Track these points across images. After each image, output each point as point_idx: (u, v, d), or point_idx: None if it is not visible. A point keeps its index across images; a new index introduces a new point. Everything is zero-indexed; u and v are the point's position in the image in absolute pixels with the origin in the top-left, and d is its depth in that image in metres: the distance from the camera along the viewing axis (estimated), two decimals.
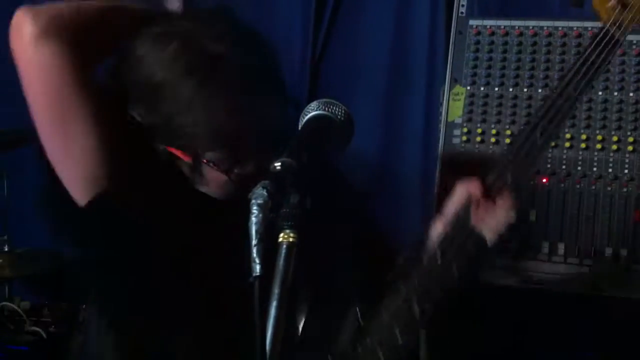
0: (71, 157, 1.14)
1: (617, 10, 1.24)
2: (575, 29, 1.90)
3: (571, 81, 1.22)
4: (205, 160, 1.14)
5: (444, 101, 1.95)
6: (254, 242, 0.86)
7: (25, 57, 1.12)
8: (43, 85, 1.12)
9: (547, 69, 1.90)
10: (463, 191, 1.21)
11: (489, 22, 1.97)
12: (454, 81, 1.95)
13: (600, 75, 1.26)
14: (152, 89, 1.13)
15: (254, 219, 0.87)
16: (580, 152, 1.84)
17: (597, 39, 1.25)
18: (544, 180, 1.83)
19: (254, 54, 1.17)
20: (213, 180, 1.17)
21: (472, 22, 1.98)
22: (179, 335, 1.20)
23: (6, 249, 2.34)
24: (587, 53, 1.24)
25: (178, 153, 1.16)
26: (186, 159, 1.16)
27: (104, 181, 1.13)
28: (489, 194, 1.19)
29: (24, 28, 1.11)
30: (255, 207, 0.88)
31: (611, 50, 1.23)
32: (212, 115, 1.11)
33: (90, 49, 1.15)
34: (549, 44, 1.91)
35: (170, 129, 1.13)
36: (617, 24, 1.24)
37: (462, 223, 1.19)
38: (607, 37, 1.24)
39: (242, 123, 1.14)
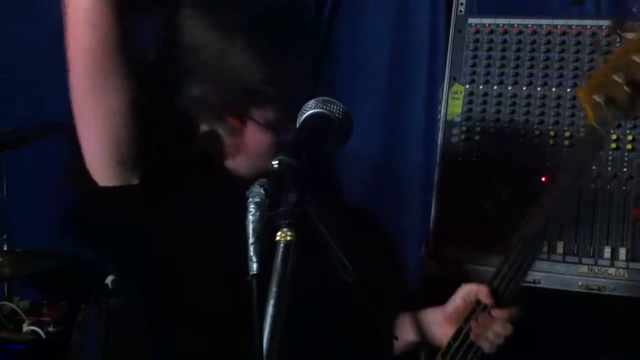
0: (100, 114, 1.14)
1: (603, 108, 1.27)
2: (574, 27, 1.90)
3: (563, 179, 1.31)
4: (255, 120, 1.19)
5: (443, 100, 1.94)
6: (251, 240, 0.86)
7: (76, 3, 1.11)
8: (87, 33, 1.11)
9: (546, 67, 1.90)
10: (470, 292, 1.33)
11: (487, 21, 1.97)
12: (453, 80, 1.95)
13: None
14: (196, 54, 1.17)
15: (251, 218, 0.87)
16: None
17: (586, 138, 1.33)
18: (543, 178, 1.83)
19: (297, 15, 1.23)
20: (253, 144, 1.21)
21: (471, 20, 1.97)
22: (185, 331, 1.20)
23: (5, 248, 2.34)
24: (578, 150, 1.35)
25: (225, 118, 1.19)
26: (234, 121, 1.19)
27: (126, 147, 1.14)
28: (492, 302, 1.30)
29: None
30: (252, 206, 0.88)
31: (598, 146, 1.32)
32: (267, 71, 1.16)
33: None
34: (548, 42, 1.91)
35: (222, 91, 1.17)
36: (603, 122, 1.28)
37: (464, 335, 1.32)
38: (595, 135, 1.29)
39: (293, 80, 1.19)
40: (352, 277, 1.11)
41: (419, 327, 1.42)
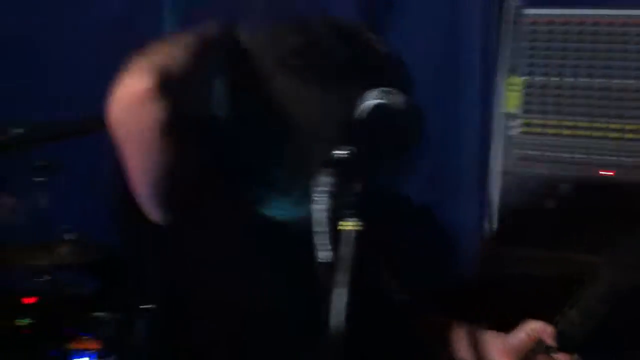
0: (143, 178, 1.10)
1: None
2: (635, 17, 1.86)
3: None
4: None
5: (500, 92, 1.93)
6: (322, 228, 0.86)
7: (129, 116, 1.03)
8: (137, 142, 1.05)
9: (608, 58, 1.87)
10: (534, 329, 1.26)
11: (544, 11, 1.94)
12: (510, 72, 1.93)
13: None
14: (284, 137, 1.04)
15: (319, 206, 0.88)
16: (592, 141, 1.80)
17: None
18: (605, 173, 1.80)
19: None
20: None
21: (526, 11, 1.95)
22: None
23: (70, 237, 2.38)
24: None
25: None
26: None
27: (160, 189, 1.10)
28: (555, 345, 1.23)
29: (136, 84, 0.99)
30: (319, 194, 0.89)
31: None
32: None
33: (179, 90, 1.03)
34: (609, 33, 1.88)
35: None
36: None
37: None
38: None
39: None
40: (406, 300, 1.09)
41: (476, 348, 1.34)
